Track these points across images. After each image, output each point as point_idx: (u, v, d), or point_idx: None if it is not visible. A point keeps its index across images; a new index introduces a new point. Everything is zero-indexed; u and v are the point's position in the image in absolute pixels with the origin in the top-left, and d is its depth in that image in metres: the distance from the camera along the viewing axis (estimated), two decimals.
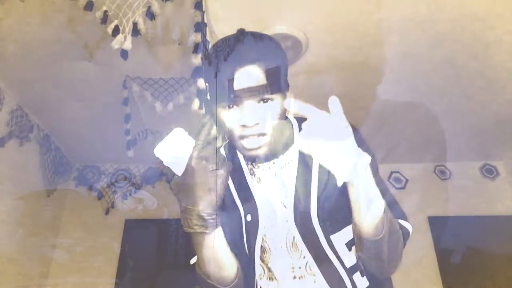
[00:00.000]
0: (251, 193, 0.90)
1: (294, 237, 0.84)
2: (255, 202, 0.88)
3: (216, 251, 0.81)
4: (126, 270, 2.71)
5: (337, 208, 0.84)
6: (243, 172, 0.93)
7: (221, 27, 1.66)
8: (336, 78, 2.04)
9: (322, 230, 0.83)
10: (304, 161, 0.88)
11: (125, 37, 1.28)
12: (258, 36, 0.87)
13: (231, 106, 0.83)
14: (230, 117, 0.84)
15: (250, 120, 0.80)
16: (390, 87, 2.13)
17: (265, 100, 0.82)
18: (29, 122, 2.34)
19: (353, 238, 0.83)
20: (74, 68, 1.98)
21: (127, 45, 1.28)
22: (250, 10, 1.65)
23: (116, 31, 1.28)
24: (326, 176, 0.85)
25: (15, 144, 2.25)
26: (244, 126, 0.81)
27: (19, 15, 1.66)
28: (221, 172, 0.79)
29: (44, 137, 2.52)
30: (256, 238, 0.87)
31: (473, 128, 2.49)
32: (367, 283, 0.82)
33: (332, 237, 0.83)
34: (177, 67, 1.97)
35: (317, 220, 0.83)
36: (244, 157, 0.93)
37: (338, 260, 0.82)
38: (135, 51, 1.31)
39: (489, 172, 2.95)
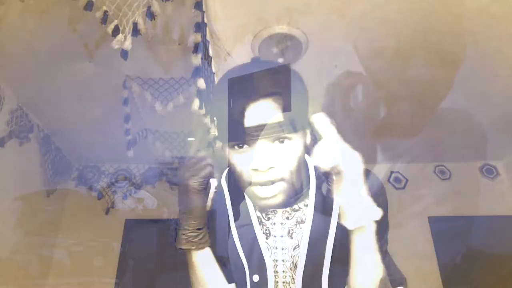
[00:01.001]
0: (259, 249, 0.77)
1: None
2: (264, 261, 0.76)
3: (200, 273, 0.75)
4: (126, 270, 2.71)
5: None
6: (251, 220, 0.80)
7: (221, 27, 1.66)
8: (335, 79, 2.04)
9: None
10: (321, 213, 0.77)
11: (125, 37, 1.28)
12: (273, 65, 0.76)
13: (241, 145, 0.72)
14: (240, 158, 0.73)
15: (263, 164, 0.69)
16: (391, 87, 2.14)
17: (281, 140, 0.71)
18: (29, 122, 2.34)
19: None
20: (74, 68, 1.98)
21: (127, 45, 1.28)
22: (250, 10, 1.65)
23: (116, 31, 1.28)
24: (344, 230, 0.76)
25: (15, 144, 2.25)
26: (256, 170, 0.70)
27: (19, 15, 1.66)
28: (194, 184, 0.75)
29: (44, 137, 2.52)
30: None
31: (473, 128, 2.49)
32: None
33: None
34: (177, 67, 1.97)
35: (326, 282, 0.73)
36: (254, 203, 0.81)
37: None
38: (135, 51, 1.31)
39: (489, 172, 2.94)
